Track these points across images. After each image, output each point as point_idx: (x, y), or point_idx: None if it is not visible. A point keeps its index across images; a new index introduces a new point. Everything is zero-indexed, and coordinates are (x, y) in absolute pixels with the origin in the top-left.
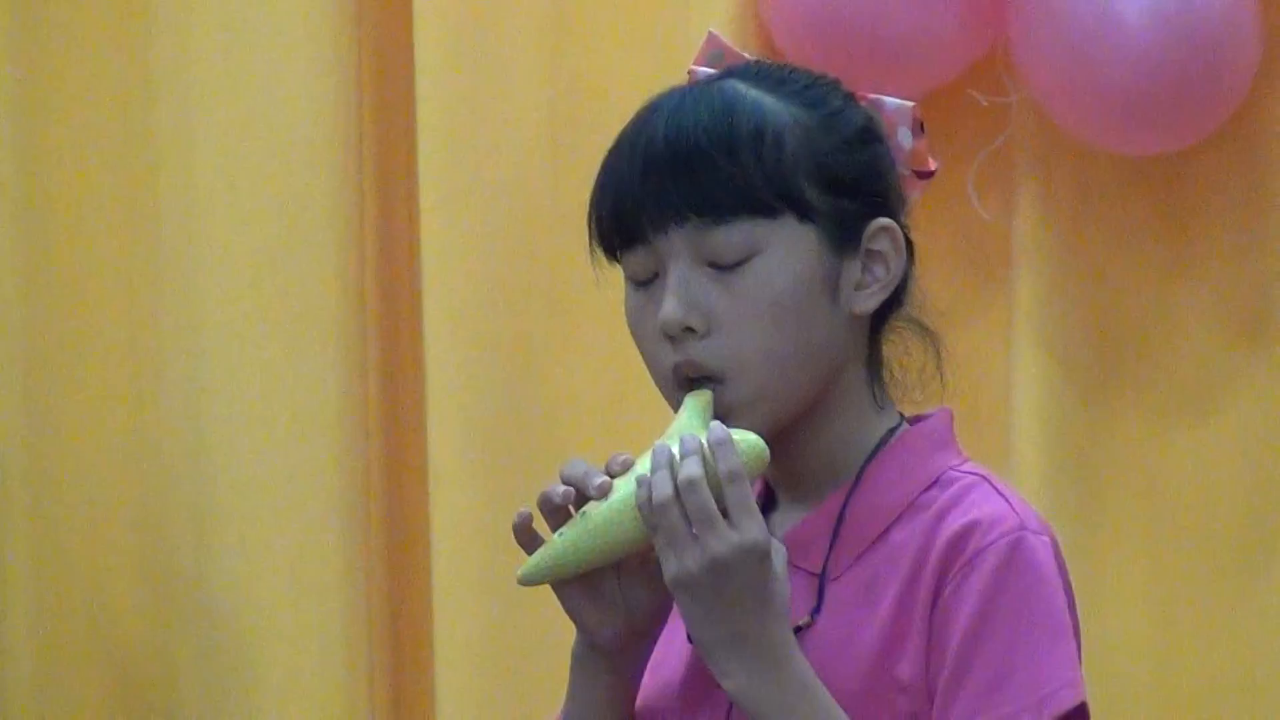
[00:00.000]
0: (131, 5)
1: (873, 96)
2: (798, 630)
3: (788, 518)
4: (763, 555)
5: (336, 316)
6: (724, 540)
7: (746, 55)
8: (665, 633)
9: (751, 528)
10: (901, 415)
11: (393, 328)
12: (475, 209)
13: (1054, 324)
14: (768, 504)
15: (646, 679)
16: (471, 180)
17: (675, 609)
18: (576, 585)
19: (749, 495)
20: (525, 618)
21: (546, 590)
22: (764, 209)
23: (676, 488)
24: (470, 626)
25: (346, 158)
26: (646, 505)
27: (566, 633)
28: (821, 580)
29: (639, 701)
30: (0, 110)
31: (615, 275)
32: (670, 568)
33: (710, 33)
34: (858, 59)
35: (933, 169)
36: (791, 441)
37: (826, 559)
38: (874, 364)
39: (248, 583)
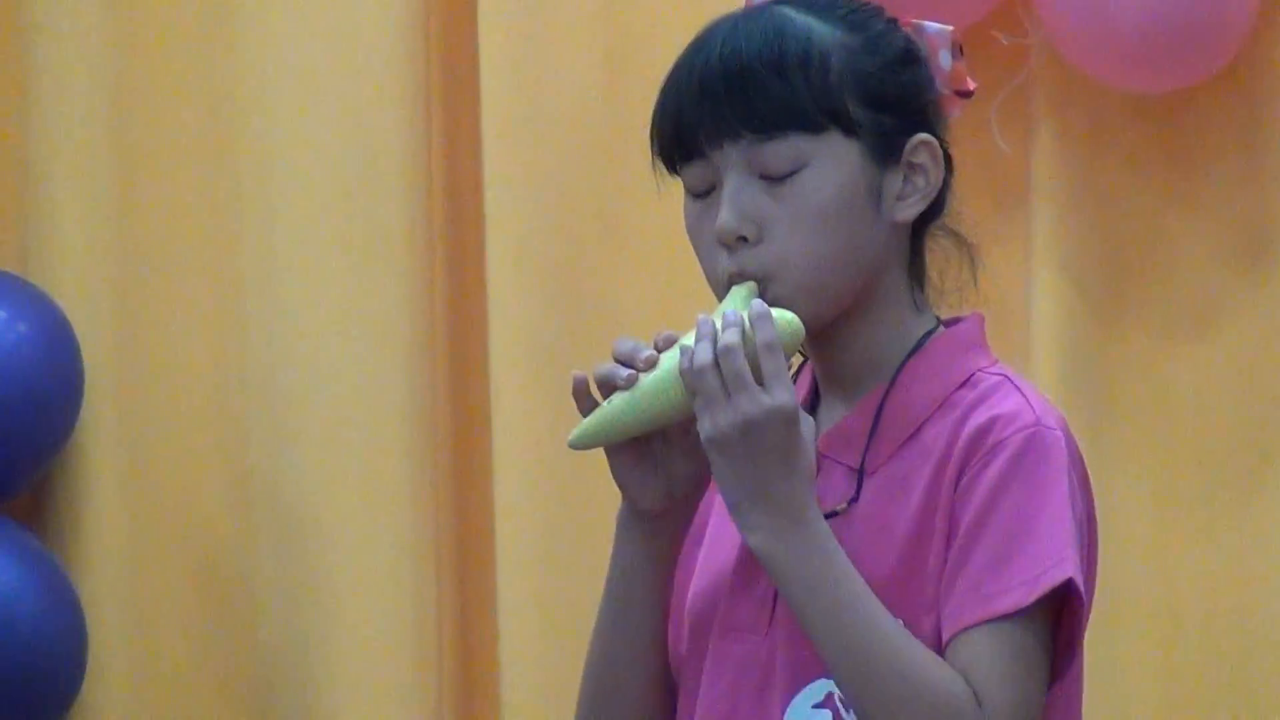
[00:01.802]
0: None
1: (915, 21)
2: (834, 515)
3: (831, 414)
4: (790, 418)
5: (406, 245)
6: (756, 402)
7: None
8: (714, 532)
9: (782, 393)
10: (938, 319)
11: (458, 254)
12: (534, 143)
13: (1068, 247)
14: (814, 402)
15: (698, 579)
16: (530, 115)
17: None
18: (625, 452)
19: (782, 365)
20: (583, 516)
21: (603, 490)
22: (811, 125)
23: (716, 354)
24: (530, 529)
25: (415, 97)
26: (688, 370)
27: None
28: (860, 474)
29: (690, 599)
30: (97, 55)
31: (668, 202)
32: (705, 427)
33: None
34: (889, 2)
35: (971, 88)
36: (834, 339)
37: (864, 453)
38: (915, 270)
39: (322, 488)
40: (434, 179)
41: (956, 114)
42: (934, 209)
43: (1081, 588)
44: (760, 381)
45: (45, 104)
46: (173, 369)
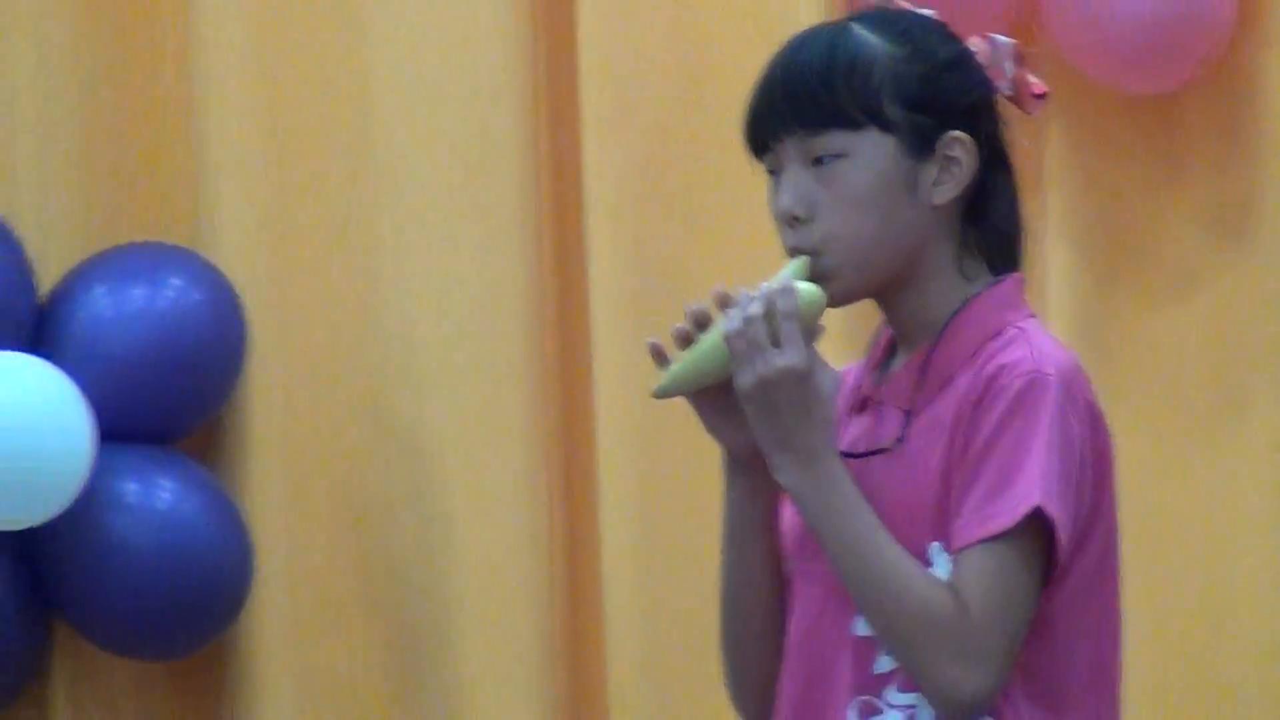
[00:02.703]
0: None
1: (988, 35)
2: (883, 451)
3: (898, 364)
4: (801, 376)
5: (519, 222)
6: (769, 363)
7: (904, 3)
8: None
9: (793, 355)
10: (989, 282)
11: (562, 231)
12: (626, 137)
13: (1075, 224)
14: (890, 354)
15: (788, 509)
16: (622, 114)
17: None
18: (707, 403)
19: (795, 331)
20: (680, 454)
21: (693, 427)
22: (850, 122)
23: (744, 318)
24: (631, 461)
25: (524, 97)
26: (728, 331)
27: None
28: (908, 416)
29: (785, 527)
30: (253, 63)
31: (741, 187)
32: (737, 383)
33: None
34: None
35: (1041, 91)
36: (893, 303)
37: (912, 398)
38: (965, 244)
39: (448, 429)
40: (541, 165)
41: (1036, 113)
42: (984, 202)
43: (1054, 515)
44: (778, 343)
45: (211, 106)
46: (321, 328)
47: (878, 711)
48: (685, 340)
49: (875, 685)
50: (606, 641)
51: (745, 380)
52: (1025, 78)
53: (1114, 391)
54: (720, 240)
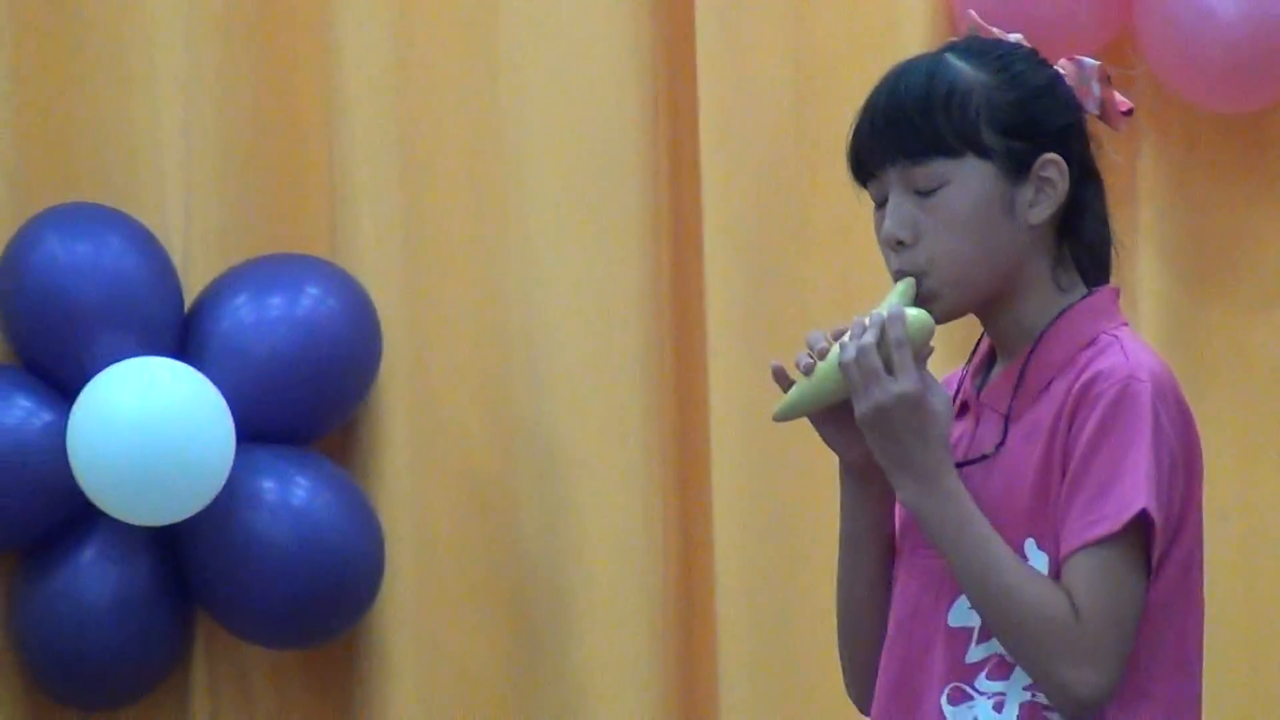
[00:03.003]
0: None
1: (1076, 58)
2: (985, 458)
3: (997, 372)
4: (915, 401)
5: (639, 229)
6: (885, 390)
7: (995, 31)
8: None
9: (905, 381)
10: (1085, 292)
11: (681, 237)
12: (741, 151)
13: (1166, 237)
14: (990, 362)
15: (900, 509)
16: (737, 128)
17: None
18: (825, 421)
19: (907, 357)
20: (791, 457)
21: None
22: (950, 151)
23: (858, 348)
24: (743, 454)
25: (645, 111)
26: (844, 360)
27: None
28: (1006, 421)
29: (897, 524)
30: (386, 85)
31: (849, 202)
32: (856, 409)
33: (970, 14)
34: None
35: (1127, 108)
36: (993, 315)
37: (1010, 404)
38: (1060, 258)
39: (570, 427)
40: (661, 181)
41: (1122, 128)
42: (1078, 217)
43: (1155, 517)
44: (891, 372)
45: (348, 128)
46: (450, 334)
47: (968, 698)
48: (808, 369)
49: (967, 673)
50: (718, 637)
51: (863, 407)
52: (1112, 96)
53: (1205, 399)
54: (831, 249)
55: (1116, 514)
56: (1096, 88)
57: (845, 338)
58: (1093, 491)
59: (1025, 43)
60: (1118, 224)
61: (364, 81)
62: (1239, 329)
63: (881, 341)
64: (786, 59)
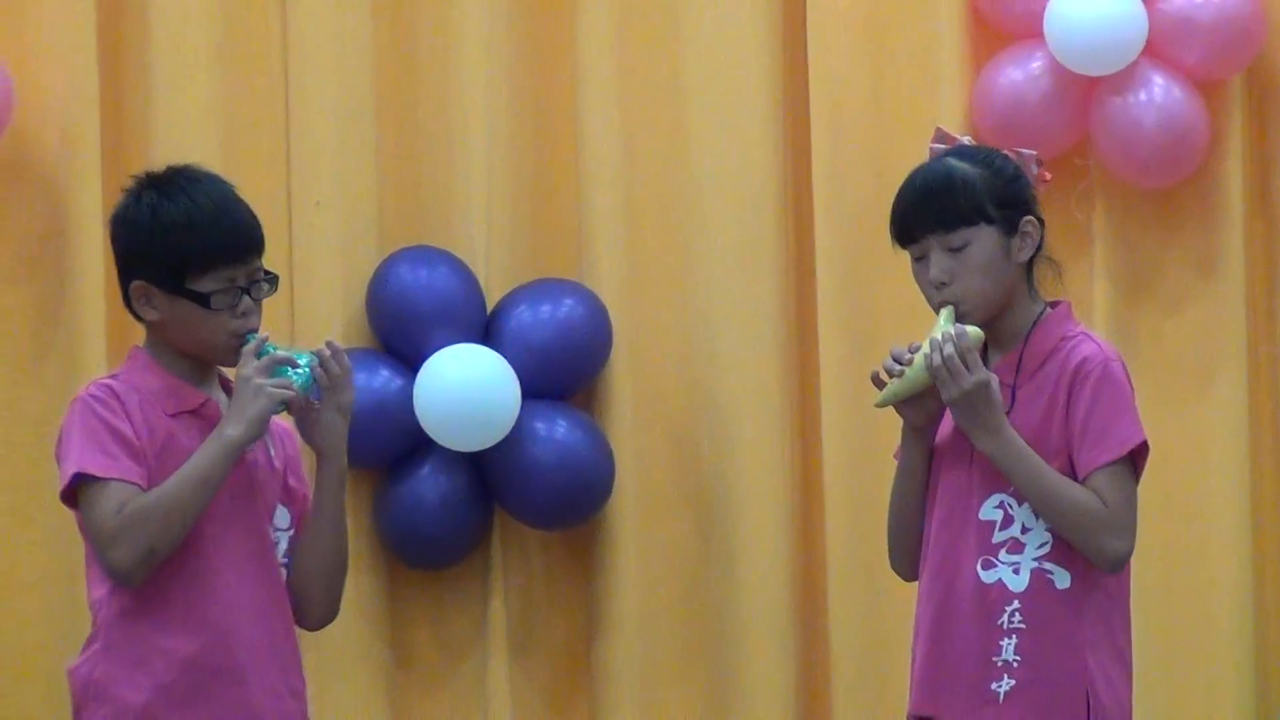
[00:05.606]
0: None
1: (1018, 149)
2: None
3: (994, 359)
4: (987, 385)
5: (772, 255)
6: (968, 380)
7: (957, 137)
8: (943, 426)
9: (981, 373)
10: (1045, 303)
11: (800, 265)
12: (842, 202)
13: (1112, 268)
14: (987, 353)
15: (938, 444)
16: (849, 166)
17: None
18: (905, 405)
19: (978, 358)
20: (884, 430)
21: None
22: (970, 221)
23: (944, 358)
24: (844, 433)
25: (775, 155)
26: (932, 365)
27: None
28: (1014, 389)
29: (935, 454)
30: (618, 129)
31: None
32: (945, 396)
33: (938, 128)
34: (1009, 139)
35: (1049, 178)
36: (995, 323)
37: (1015, 377)
38: (1030, 280)
39: (733, 389)
40: (788, 219)
41: (1043, 190)
42: (1038, 250)
43: (1147, 444)
44: (966, 366)
45: (593, 178)
46: (656, 329)
47: (994, 566)
48: (900, 372)
49: (993, 550)
50: (827, 546)
51: (953, 394)
52: (1040, 172)
53: (1136, 377)
54: (904, 281)
55: (1120, 445)
56: (1034, 167)
57: (924, 349)
58: (1098, 431)
59: (978, 143)
60: (1079, 261)
61: (605, 139)
62: (1158, 328)
63: (956, 349)
64: (882, 96)
